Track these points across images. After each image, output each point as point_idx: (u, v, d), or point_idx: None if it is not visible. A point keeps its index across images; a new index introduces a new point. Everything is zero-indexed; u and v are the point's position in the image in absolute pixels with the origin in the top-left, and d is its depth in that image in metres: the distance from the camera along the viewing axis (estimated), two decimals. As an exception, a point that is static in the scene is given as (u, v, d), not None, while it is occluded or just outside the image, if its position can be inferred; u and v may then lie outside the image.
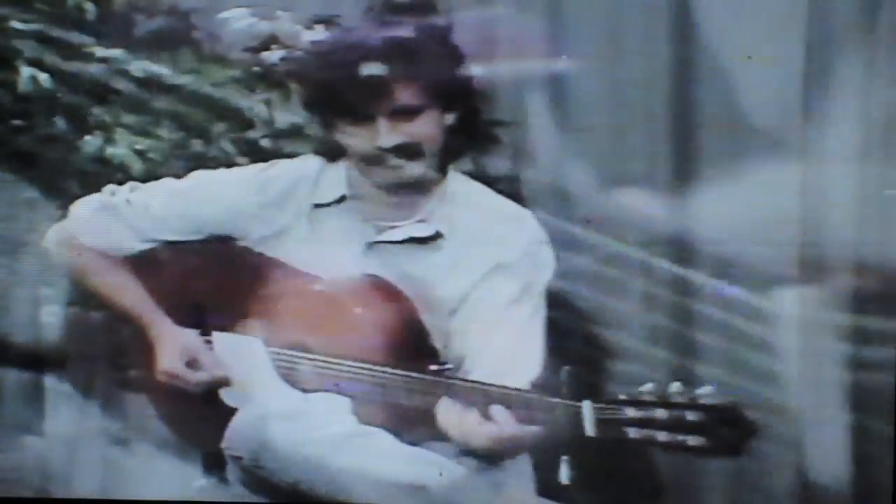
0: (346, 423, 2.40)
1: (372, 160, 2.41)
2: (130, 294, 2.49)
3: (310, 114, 2.52)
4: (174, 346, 2.47)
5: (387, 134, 2.38)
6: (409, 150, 2.40)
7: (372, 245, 2.46)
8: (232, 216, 2.48)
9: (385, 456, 2.39)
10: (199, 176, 2.52)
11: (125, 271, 2.50)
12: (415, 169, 2.42)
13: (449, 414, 2.32)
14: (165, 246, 2.50)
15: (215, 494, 2.50)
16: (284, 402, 2.44)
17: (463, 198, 2.47)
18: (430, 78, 2.38)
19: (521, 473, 2.45)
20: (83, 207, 2.53)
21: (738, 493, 2.50)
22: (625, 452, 2.39)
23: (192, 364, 2.47)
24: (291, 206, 2.47)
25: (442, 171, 2.46)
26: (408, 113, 2.38)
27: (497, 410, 2.30)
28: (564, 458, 2.33)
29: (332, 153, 2.47)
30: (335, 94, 2.42)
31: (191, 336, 2.48)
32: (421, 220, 2.46)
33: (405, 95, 2.37)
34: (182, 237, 2.50)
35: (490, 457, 2.39)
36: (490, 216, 2.47)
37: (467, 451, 2.37)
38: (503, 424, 2.29)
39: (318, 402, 2.43)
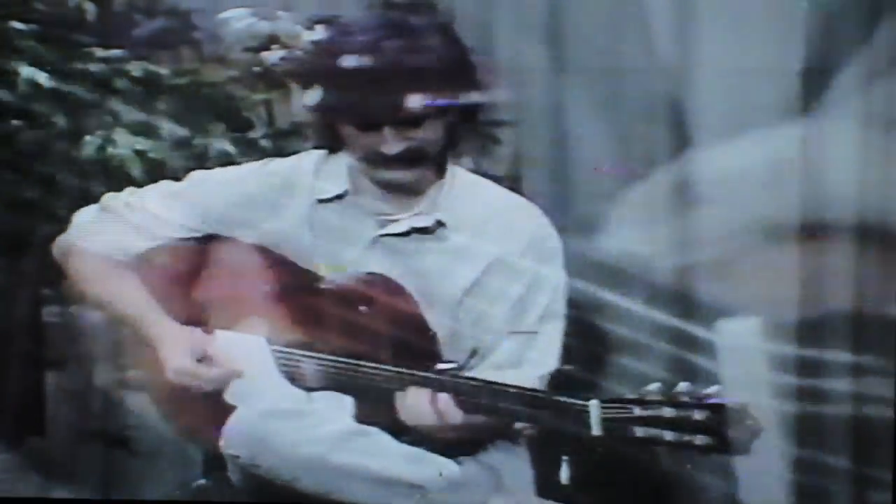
0: (345, 422, 2.39)
1: (375, 164, 2.40)
2: (132, 295, 2.48)
3: (315, 113, 2.49)
4: (182, 344, 2.45)
5: (392, 141, 2.36)
6: (413, 156, 2.39)
7: (376, 240, 2.45)
8: (235, 210, 2.47)
9: (384, 455, 2.38)
10: (197, 175, 2.51)
11: (126, 273, 2.49)
12: (417, 172, 2.41)
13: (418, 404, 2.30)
14: (167, 245, 2.50)
15: (215, 494, 2.50)
16: (285, 401, 2.43)
17: (465, 189, 2.46)
18: (436, 84, 2.36)
19: (520, 472, 2.45)
20: (84, 215, 2.52)
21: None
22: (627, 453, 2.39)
23: (203, 360, 2.45)
24: (293, 200, 2.45)
25: (442, 165, 2.45)
26: (414, 121, 2.37)
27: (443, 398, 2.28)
28: (565, 458, 2.33)
29: (333, 145, 2.46)
30: (341, 101, 2.39)
31: (197, 332, 2.47)
32: (422, 212, 2.44)
33: (413, 104, 2.35)
34: (184, 234, 2.48)
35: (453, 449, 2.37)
36: (493, 206, 2.46)
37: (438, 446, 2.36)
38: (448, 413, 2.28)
39: (318, 401, 2.41)
